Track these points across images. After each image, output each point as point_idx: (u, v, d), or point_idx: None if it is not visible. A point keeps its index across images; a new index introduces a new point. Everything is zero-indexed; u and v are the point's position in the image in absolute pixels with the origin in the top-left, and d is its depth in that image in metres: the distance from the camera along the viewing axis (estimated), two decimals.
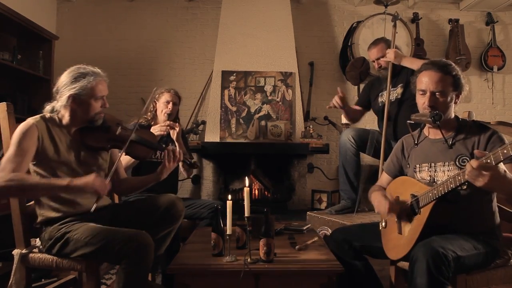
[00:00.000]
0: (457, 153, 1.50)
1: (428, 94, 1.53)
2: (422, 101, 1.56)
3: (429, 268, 1.24)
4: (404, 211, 1.53)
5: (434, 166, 1.56)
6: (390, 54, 2.52)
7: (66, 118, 1.65)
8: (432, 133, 1.64)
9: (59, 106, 1.63)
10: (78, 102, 1.61)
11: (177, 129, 2.35)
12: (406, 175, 1.69)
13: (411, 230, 1.48)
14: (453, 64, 1.57)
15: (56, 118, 1.65)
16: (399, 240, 1.53)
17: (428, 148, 1.62)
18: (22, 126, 1.52)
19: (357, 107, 2.86)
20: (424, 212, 1.42)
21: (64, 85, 1.60)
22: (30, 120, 1.55)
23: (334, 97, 2.60)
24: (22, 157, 1.46)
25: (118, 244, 1.43)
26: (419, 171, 1.62)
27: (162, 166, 1.79)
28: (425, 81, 1.54)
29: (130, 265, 1.42)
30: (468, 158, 1.46)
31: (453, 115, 1.59)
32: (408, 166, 1.70)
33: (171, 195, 1.80)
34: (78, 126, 1.67)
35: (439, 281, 1.24)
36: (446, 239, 1.36)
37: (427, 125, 1.65)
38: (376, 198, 1.66)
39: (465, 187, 1.31)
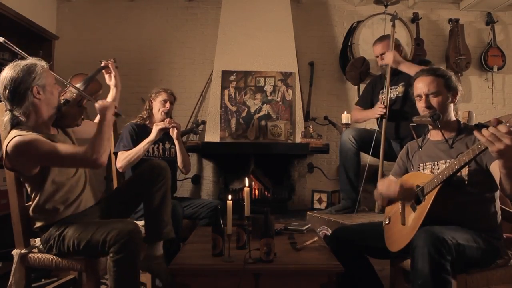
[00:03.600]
0: (458, 152, 1.53)
1: (423, 97, 1.63)
2: (420, 106, 1.66)
3: (430, 253, 1.26)
4: (409, 200, 1.56)
5: (437, 164, 1.60)
6: (388, 57, 2.50)
7: (39, 117, 1.56)
8: (434, 135, 1.69)
9: (23, 110, 1.51)
10: (43, 93, 1.53)
11: (179, 128, 2.40)
12: None
13: (414, 218, 1.50)
14: (442, 68, 1.69)
15: (28, 125, 1.54)
16: (402, 231, 1.55)
17: (431, 149, 1.67)
18: (24, 140, 1.44)
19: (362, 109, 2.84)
20: (428, 199, 1.45)
21: (19, 83, 1.48)
22: (25, 137, 1.45)
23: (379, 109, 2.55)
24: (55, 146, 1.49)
25: (102, 235, 1.46)
26: (423, 169, 1.66)
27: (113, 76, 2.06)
28: (419, 86, 1.65)
29: (116, 253, 1.45)
30: None
31: (453, 118, 1.64)
32: (412, 167, 1.74)
33: (153, 161, 1.85)
34: (46, 120, 1.60)
35: (440, 264, 1.26)
36: (447, 228, 1.38)
37: (429, 127, 1.70)
38: (385, 183, 1.66)
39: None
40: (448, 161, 1.56)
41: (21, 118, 1.53)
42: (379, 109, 2.54)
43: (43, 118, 1.59)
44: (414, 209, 1.53)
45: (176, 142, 2.42)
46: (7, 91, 1.49)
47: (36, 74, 1.52)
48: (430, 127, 1.69)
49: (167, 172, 1.77)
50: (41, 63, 1.58)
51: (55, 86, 1.62)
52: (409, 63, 2.52)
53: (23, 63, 1.54)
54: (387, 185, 1.64)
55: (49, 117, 1.62)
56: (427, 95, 1.61)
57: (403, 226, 1.55)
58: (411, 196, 1.54)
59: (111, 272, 1.45)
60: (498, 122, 1.20)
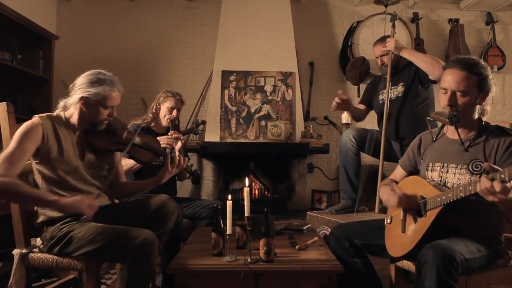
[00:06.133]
0: (472, 157, 1.45)
1: (449, 93, 1.46)
2: (443, 100, 1.50)
3: (439, 272, 1.22)
4: (411, 209, 1.52)
5: (446, 167, 1.52)
6: (390, 43, 2.49)
7: (74, 117, 1.66)
8: (451, 131, 1.57)
9: (70, 103, 1.65)
10: (87, 105, 1.62)
11: (183, 141, 2.35)
12: (419, 172, 1.68)
13: (414, 230, 1.48)
14: (482, 63, 1.47)
15: (63, 116, 1.66)
16: (401, 238, 1.53)
17: (444, 148, 1.57)
18: (27, 124, 1.52)
19: (361, 106, 2.86)
20: (430, 216, 1.41)
21: (80, 85, 1.62)
22: (36, 119, 1.55)
23: (335, 99, 2.60)
24: (20, 157, 1.45)
25: (123, 241, 1.44)
26: (431, 170, 1.58)
27: (164, 170, 1.80)
28: (448, 80, 1.47)
29: (134, 262, 1.43)
30: (481, 164, 1.41)
31: (476, 116, 1.51)
32: (421, 162, 1.67)
33: (163, 196, 1.78)
34: (83, 128, 1.68)
35: (448, 284, 1.23)
36: (453, 242, 1.34)
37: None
38: (386, 192, 1.61)
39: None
40: (459, 166, 1.47)
41: (67, 106, 1.66)
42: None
43: (73, 120, 1.66)
44: (415, 220, 1.49)
45: (177, 153, 2.39)
46: (79, 81, 1.64)
47: (94, 89, 1.60)
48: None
49: (174, 216, 1.75)
50: (114, 87, 1.64)
51: (104, 108, 1.64)
52: (411, 49, 2.52)
53: (103, 73, 1.65)
54: (387, 194, 1.59)
55: (78, 124, 1.67)
56: (453, 92, 1.45)
57: (403, 233, 1.53)
58: (412, 206, 1.51)
59: (124, 279, 1.43)
60: (491, 168, 1.18)
